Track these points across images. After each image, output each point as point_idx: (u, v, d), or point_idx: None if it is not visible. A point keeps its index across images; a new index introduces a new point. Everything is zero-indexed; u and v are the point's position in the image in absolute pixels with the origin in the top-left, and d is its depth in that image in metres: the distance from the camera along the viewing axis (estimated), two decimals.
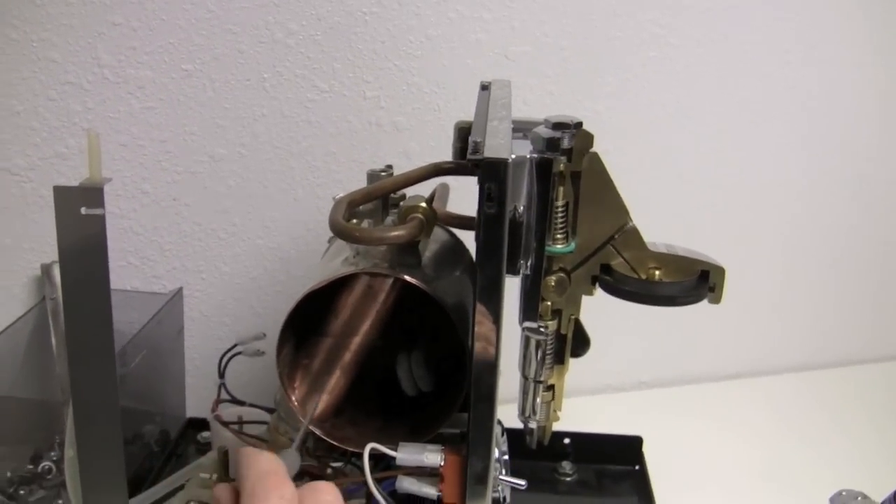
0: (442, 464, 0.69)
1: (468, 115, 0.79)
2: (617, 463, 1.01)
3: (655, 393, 1.26)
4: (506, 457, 0.78)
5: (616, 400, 1.24)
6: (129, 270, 1.08)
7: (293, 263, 1.12)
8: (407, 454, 0.70)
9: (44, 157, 1.01)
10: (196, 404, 1.09)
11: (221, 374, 0.92)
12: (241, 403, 0.93)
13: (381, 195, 0.75)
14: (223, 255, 1.10)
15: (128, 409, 1.00)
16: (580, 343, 0.91)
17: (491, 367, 0.66)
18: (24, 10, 0.96)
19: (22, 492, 0.90)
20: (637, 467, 1.00)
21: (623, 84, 1.13)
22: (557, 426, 0.97)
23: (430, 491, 0.70)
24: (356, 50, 1.05)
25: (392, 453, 0.70)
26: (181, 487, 0.90)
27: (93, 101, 1.01)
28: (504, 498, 0.74)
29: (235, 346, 0.92)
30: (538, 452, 0.93)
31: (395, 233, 0.68)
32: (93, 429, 0.70)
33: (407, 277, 0.70)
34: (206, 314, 1.12)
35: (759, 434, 1.14)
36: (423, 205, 0.70)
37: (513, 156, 0.70)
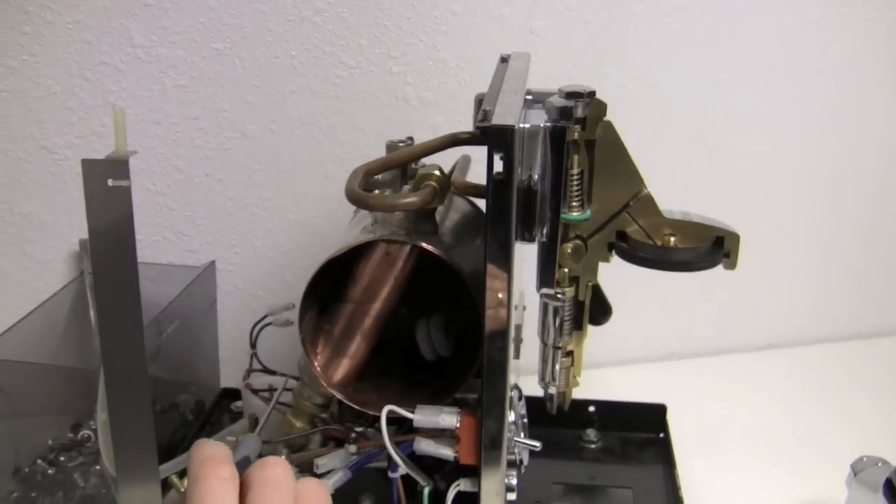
0: (458, 425, 0.71)
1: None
2: (641, 431, 1.02)
3: (685, 364, 1.27)
4: (524, 420, 0.79)
5: (646, 370, 1.25)
6: (165, 245, 1.11)
7: (324, 237, 1.14)
8: (424, 416, 0.72)
9: (80, 135, 1.05)
10: (232, 375, 1.12)
11: (253, 345, 0.95)
12: (272, 373, 0.95)
13: (399, 165, 0.77)
14: (256, 230, 1.13)
15: (163, 380, 1.04)
16: (601, 311, 0.92)
17: (502, 329, 0.68)
18: None
19: (62, 458, 0.93)
20: (661, 435, 1.02)
21: (648, 56, 1.13)
22: (583, 394, 0.99)
23: (446, 452, 0.72)
24: (382, 26, 1.07)
25: (409, 415, 0.72)
26: None
27: (126, 80, 1.04)
28: (521, 460, 0.76)
29: (266, 316, 0.95)
30: (564, 420, 0.95)
31: (408, 199, 0.69)
32: (123, 393, 0.73)
33: (423, 244, 0.72)
34: (240, 287, 1.15)
35: (784, 403, 1.14)
36: (437, 173, 0.71)
37: (527, 125, 0.72)
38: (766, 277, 1.25)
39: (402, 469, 0.73)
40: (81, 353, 1.05)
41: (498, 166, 0.63)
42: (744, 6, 1.13)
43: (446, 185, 0.72)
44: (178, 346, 1.04)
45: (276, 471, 0.58)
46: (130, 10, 1.01)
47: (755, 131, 1.19)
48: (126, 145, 0.70)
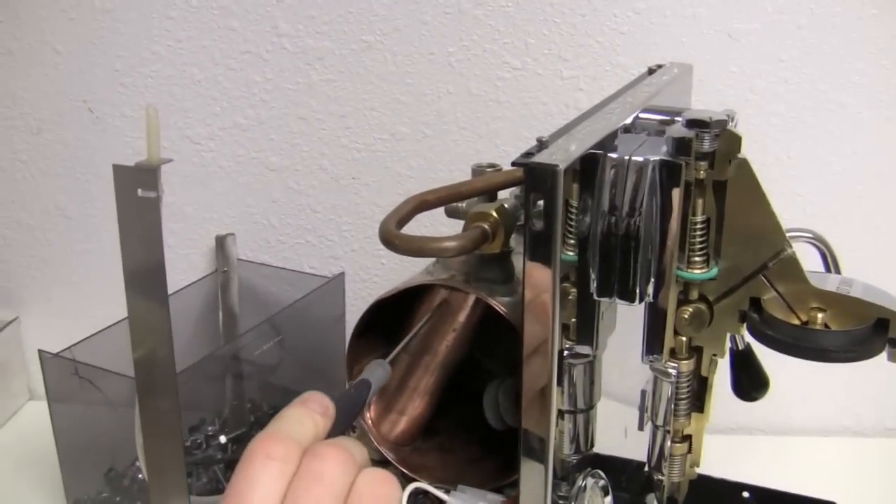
0: None
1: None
2: None
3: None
4: None
5: (853, 445, 1.05)
6: (307, 249, 1.05)
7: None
8: (460, 501, 0.60)
9: (223, 126, 1.00)
10: None
11: None
12: None
13: (463, 198, 0.64)
14: None
15: (289, 390, 0.98)
16: (755, 384, 0.77)
17: (541, 411, 0.54)
18: None
19: None
20: None
21: (880, 73, 0.93)
22: (742, 476, 0.85)
23: None
24: (552, 24, 0.95)
25: (443, 496, 0.60)
26: None
27: (271, 71, 0.98)
28: None
29: None
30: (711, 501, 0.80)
31: (442, 244, 0.57)
32: (155, 406, 0.67)
33: (482, 294, 0.60)
34: None
35: None
36: (493, 213, 0.59)
37: (639, 158, 0.58)
38: None
39: None
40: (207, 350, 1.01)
41: (538, 218, 0.50)
42: None
43: (503, 229, 0.59)
44: (303, 358, 0.98)
45: (323, 466, 0.46)
46: None
47: None
48: (159, 152, 0.64)
